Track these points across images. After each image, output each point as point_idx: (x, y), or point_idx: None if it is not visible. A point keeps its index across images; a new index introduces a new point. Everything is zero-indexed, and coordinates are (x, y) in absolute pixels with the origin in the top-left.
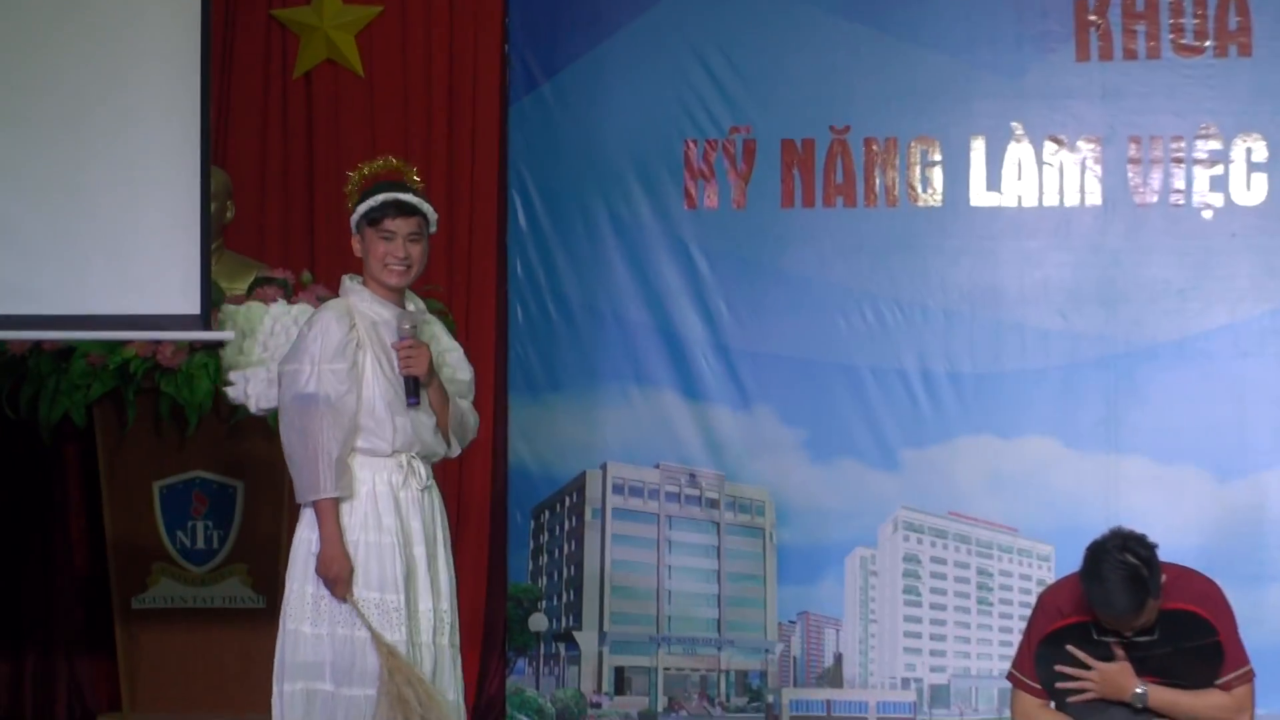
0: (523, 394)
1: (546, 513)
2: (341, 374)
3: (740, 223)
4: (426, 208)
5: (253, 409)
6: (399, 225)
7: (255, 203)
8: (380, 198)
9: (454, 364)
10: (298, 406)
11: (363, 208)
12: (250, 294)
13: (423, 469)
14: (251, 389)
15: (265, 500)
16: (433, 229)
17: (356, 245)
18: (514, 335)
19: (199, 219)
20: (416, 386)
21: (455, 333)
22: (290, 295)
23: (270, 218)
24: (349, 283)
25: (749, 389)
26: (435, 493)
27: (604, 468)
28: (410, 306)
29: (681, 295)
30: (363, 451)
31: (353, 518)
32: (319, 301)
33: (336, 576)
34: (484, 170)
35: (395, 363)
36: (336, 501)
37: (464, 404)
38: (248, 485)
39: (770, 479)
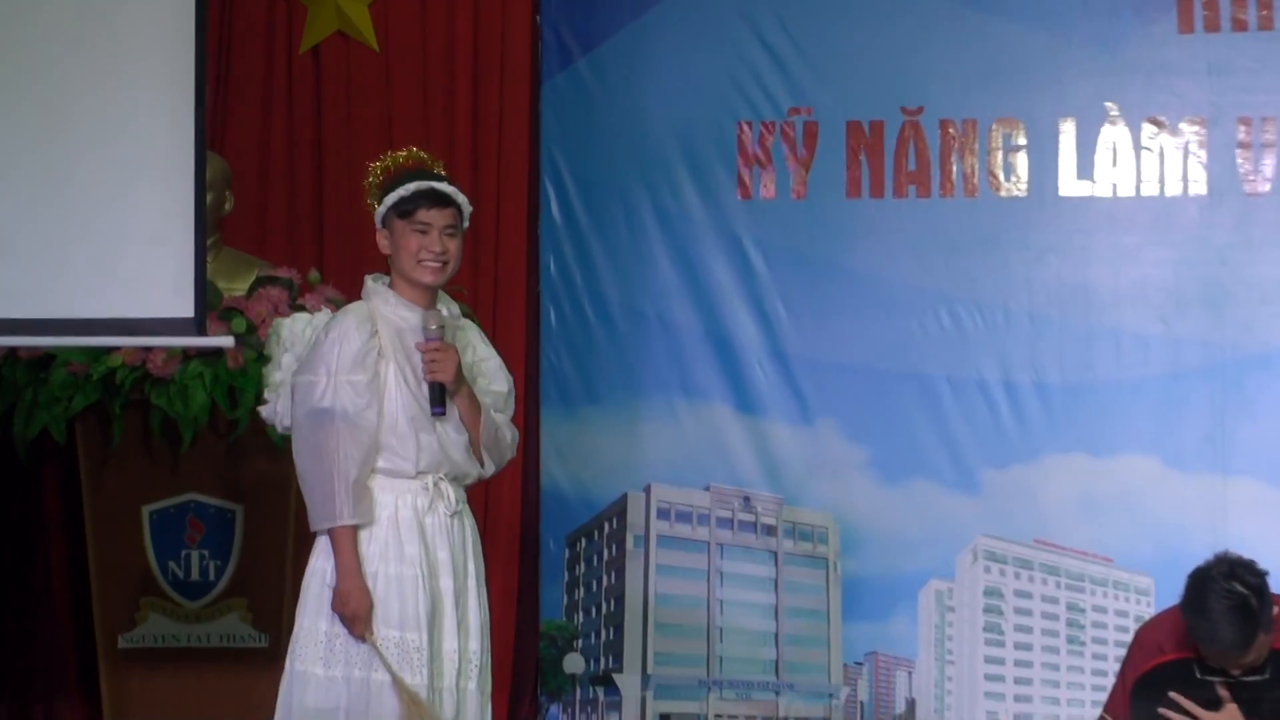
0: (556, 407)
1: (583, 540)
2: (361, 386)
3: (800, 215)
4: (462, 199)
5: (279, 428)
6: (434, 217)
7: (256, 193)
8: (412, 186)
9: (490, 374)
10: (312, 422)
11: (391, 198)
12: (251, 294)
13: (452, 492)
14: (281, 406)
15: (269, 526)
16: (466, 223)
17: (384, 241)
18: (546, 341)
19: (193, 211)
20: (442, 394)
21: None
22: (295, 296)
23: (273, 210)
24: (372, 284)
25: (810, 402)
26: (467, 518)
27: (647, 490)
28: (443, 310)
29: (734, 296)
30: (384, 473)
31: (371, 546)
32: (328, 304)
33: (355, 613)
34: (513, 157)
35: (419, 372)
36: (355, 529)
37: (500, 418)
38: (249, 509)
39: (834, 503)
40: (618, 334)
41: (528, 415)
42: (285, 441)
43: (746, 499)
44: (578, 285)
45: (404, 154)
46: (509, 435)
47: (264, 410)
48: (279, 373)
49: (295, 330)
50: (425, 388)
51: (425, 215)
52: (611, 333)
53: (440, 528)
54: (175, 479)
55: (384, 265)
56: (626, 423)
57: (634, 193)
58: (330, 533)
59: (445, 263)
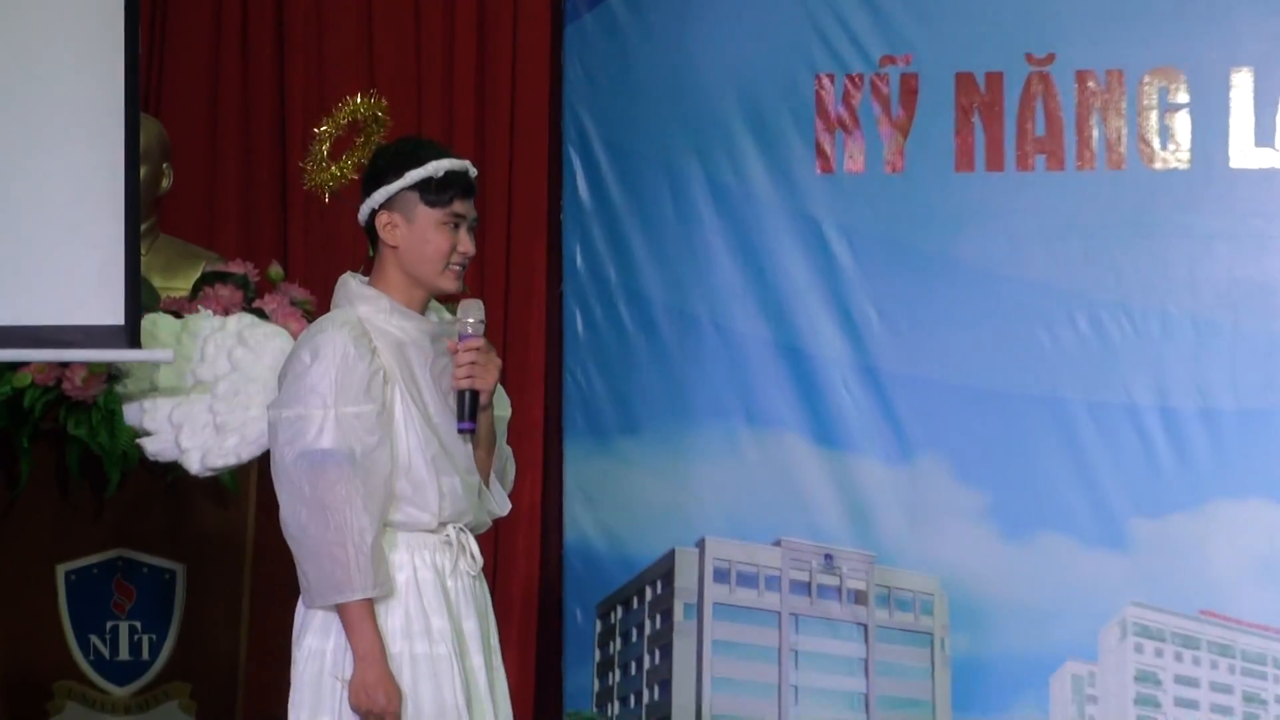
0: (583, 438)
1: (619, 610)
2: (369, 419)
3: (896, 194)
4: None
5: (194, 470)
6: (468, 210)
7: (203, 167)
8: (444, 166)
9: (497, 397)
10: (308, 470)
11: (415, 175)
12: (196, 295)
13: (474, 546)
14: (188, 439)
15: (218, 590)
16: None
17: (392, 228)
18: (571, 355)
19: (122, 189)
20: (475, 408)
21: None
22: (252, 297)
23: (224, 188)
24: (356, 284)
25: (909, 431)
26: (484, 580)
27: (701, 545)
28: (433, 316)
29: (811, 296)
30: (397, 526)
31: (390, 620)
32: (294, 308)
33: (385, 709)
34: (528, 118)
35: (429, 397)
36: (372, 602)
37: (506, 447)
38: (193, 569)
39: (941, 562)
40: (662, 345)
41: (548, 449)
42: (243, 482)
43: (828, 557)
44: (611, 283)
45: (358, 103)
46: (512, 471)
47: (151, 445)
48: (157, 390)
49: (168, 330)
50: (452, 400)
51: (461, 206)
52: (654, 343)
53: (464, 591)
54: (99, 531)
55: (359, 258)
56: (674, 459)
57: (683, 165)
58: (342, 608)
59: (465, 268)
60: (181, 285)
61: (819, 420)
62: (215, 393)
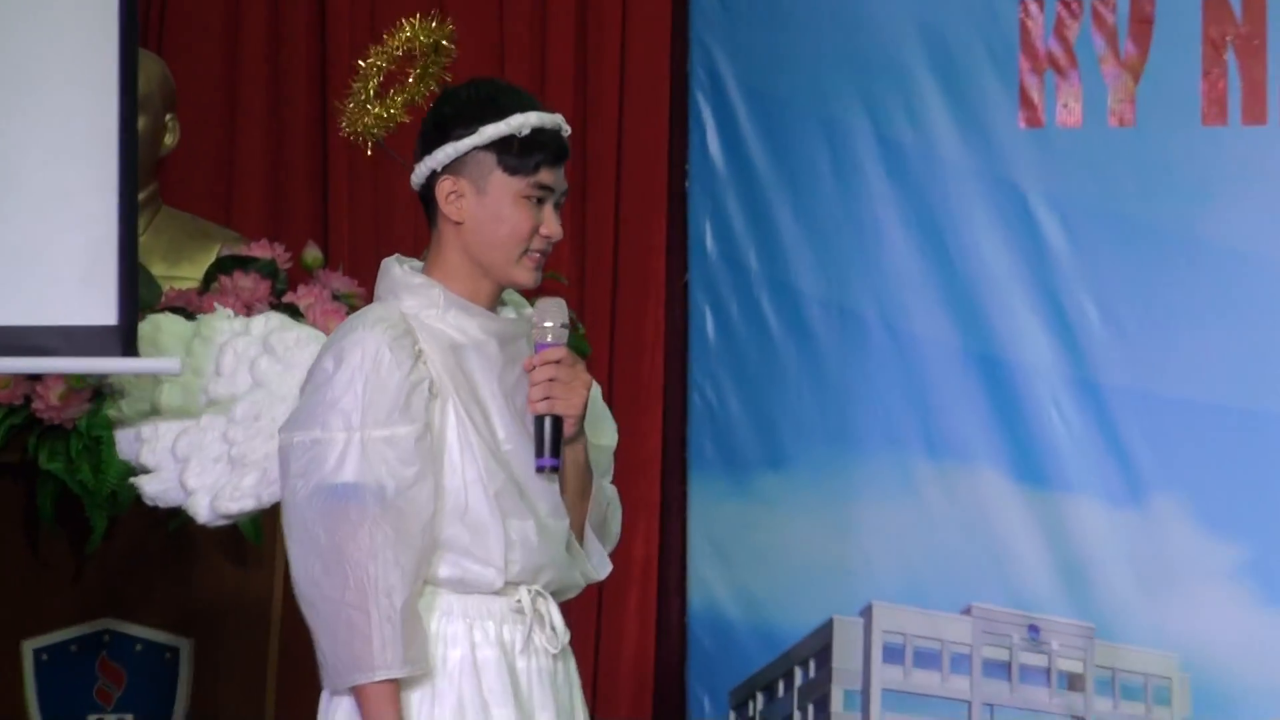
0: (714, 474)
1: (759, 698)
2: (406, 446)
3: (1125, 154)
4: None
5: (203, 517)
6: (557, 180)
7: (219, 118)
8: (532, 122)
9: (593, 418)
10: (324, 511)
11: (494, 131)
12: (210, 285)
13: (557, 615)
14: (196, 476)
15: (234, 673)
16: None
17: (457, 200)
18: (699, 365)
19: (116, 148)
20: (558, 439)
21: (587, 359)
22: (282, 288)
23: (246, 146)
24: (401, 271)
25: (1140, 465)
26: (571, 659)
27: (867, 614)
28: (509, 311)
29: (1012, 289)
30: (448, 586)
31: (437, 709)
32: (336, 303)
33: None
34: (643, 57)
35: (498, 418)
36: (398, 684)
37: (609, 488)
38: (201, 646)
39: (1182, 636)
40: (818, 353)
41: (668, 488)
42: (266, 533)
43: (1034, 629)
44: (752, 272)
45: (420, 30)
46: (617, 520)
47: (150, 486)
48: (158, 412)
49: (173, 335)
50: (530, 424)
51: (549, 176)
52: (807, 351)
53: (541, 674)
54: (79, 596)
55: (423, 239)
56: (832, 501)
57: (847, 119)
58: (360, 690)
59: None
60: (189, 274)
61: (1021, 450)
62: (232, 416)
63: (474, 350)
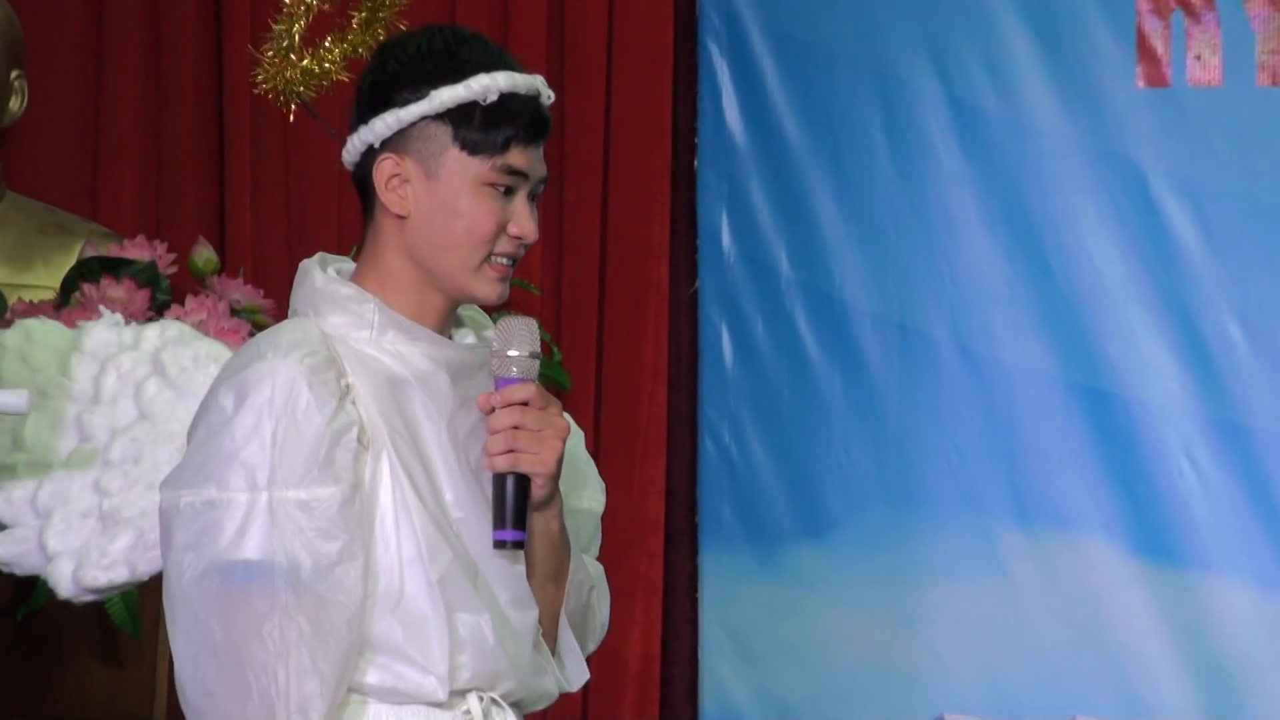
0: (733, 546)
1: None
2: (329, 513)
3: (1275, 120)
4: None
5: (64, 591)
6: (532, 164)
7: (85, 79)
8: (500, 84)
9: (572, 475)
10: (220, 597)
11: (450, 96)
12: (69, 297)
13: None
14: (59, 536)
15: None
16: None
17: (400, 186)
18: (712, 401)
19: None
20: (523, 505)
21: (565, 394)
22: (164, 299)
23: (116, 114)
24: (325, 279)
25: None
26: None
27: None
28: (466, 334)
29: (1129, 301)
30: (379, 696)
31: None
32: (236, 320)
33: None
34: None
35: (448, 475)
36: None
37: (593, 566)
38: None
39: None
40: (870, 386)
41: (671, 566)
42: (146, 617)
43: None
44: (781, 277)
45: None
46: (604, 608)
47: (1, 546)
48: (20, 454)
49: (40, 347)
50: (488, 487)
51: (521, 158)
52: (856, 383)
53: None
54: None
55: (338, 239)
56: (891, 582)
57: (907, 76)
58: None
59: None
60: (43, 281)
61: (1142, 515)
62: (107, 458)
63: (418, 386)
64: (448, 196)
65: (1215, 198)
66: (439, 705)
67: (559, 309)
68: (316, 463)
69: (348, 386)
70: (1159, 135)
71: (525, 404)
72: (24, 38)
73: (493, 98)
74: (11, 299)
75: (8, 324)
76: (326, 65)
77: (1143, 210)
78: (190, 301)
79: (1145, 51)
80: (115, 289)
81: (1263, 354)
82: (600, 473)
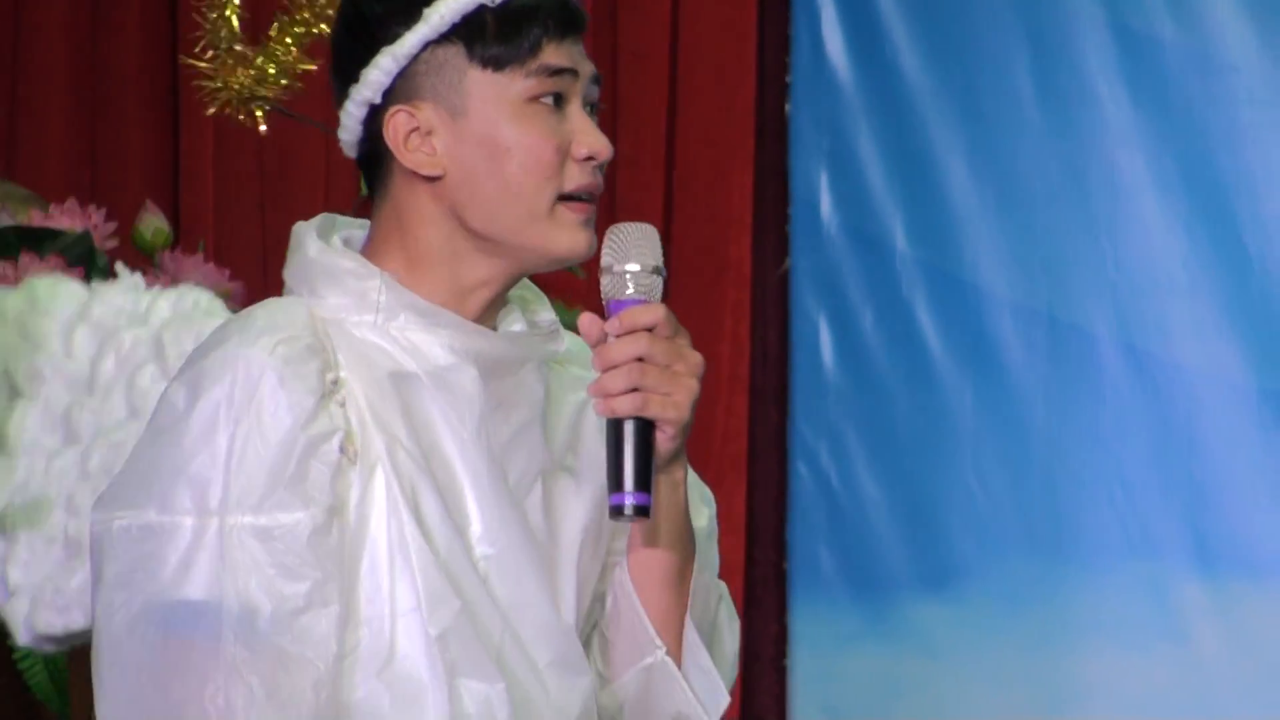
0: (832, 599)
1: None
2: (294, 546)
3: None
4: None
5: (21, 638)
6: (577, 60)
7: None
8: None
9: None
10: (155, 648)
11: (447, 7)
12: None
13: None
14: (23, 567)
15: None
16: None
17: (421, 141)
18: (804, 412)
19: None
20: (648, 459)
21: None
22: (98, 274)
23: (38, 46)
24: (322, 250)
25: None
26: None
27: None
28: (513, 324)
29: None
30: None
31: None
32: (198, 306)
33: None
34: None
35: (475, 499)
36: None
37: (718, 583)
38: None
39: None
40: (1013, 397)
41: (753, 622)
42: (77, 687)
43: None
44: (895, 256)
45: None
46: (734, 636)
47: None
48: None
49: (107, 314)
50: (535, 513)
51: (559, 54)
52: (994, 393)
53: None
54: None
55: (344, 195)
56: (1039, 644)
57: (1060, 3)
58: None
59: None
60: None
61: None
62: (86, 468)
63: (431, 384)
64: (486, 131)
65: None
66: None
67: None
68: (283, 480)
69: (334, 382)
70: None
71: (651, 328)
72: None
73: None
74: None
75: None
76: (281, 58)
77: None
78: (156, 281)
79: None
80: (38, 267)
81: None
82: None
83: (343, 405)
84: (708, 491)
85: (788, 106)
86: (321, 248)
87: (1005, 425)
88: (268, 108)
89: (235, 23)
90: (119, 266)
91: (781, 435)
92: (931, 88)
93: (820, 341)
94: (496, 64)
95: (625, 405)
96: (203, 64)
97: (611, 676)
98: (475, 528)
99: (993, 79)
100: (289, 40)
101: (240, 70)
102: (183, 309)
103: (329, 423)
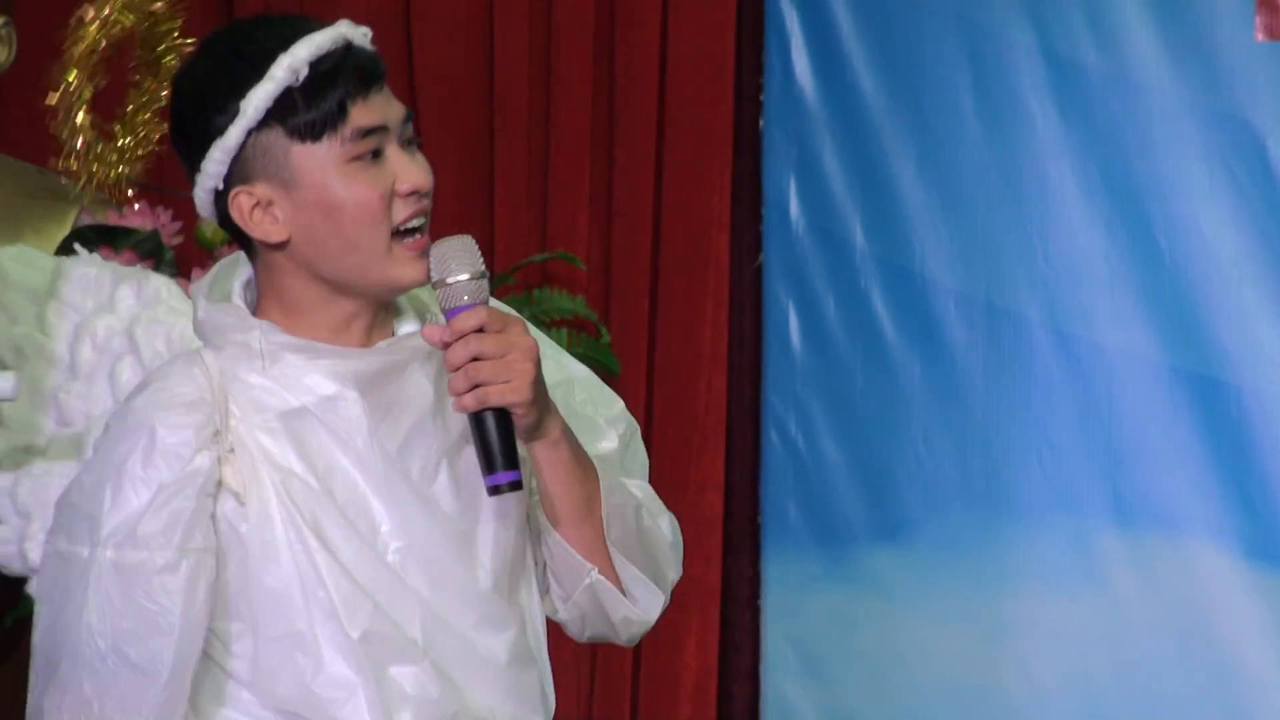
0: (800, 549)
1: None
2: (146, 579)
3: None
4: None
5: (21, 567)
6: (385, 111)
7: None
8: (301, 55)
9: (573, 421)
10: (40, 671)
11: (260, 96)
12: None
13: None
14: (37, 548)
15: None
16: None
17: (265, 214)
18: (776, 389)
19: None
20: (509, 439)
21: (615, 381)
22: (167, 272)
23: (120, 63)
24: (207, 309)
25: None
26: None
27: None
28: (406, 326)
29: (1244, 279)
30: None
31: None
32: None
33: None
34: None
35: (385, 493)
36: None
37: (639, 490)
38: None
39: None
40: (955, 374)
41: (730, 570)
42: None
43: None
44: (856, 251)
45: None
46: (665, 525)
47: None
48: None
49: (72, 294)
50: (444, 495)
51: (367, 113)
52: (939, 370)
53: None
54: None
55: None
56: (975, 591)
57: (1000, 26)
58: None
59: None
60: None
61: (1256, 518)
62: (84, 452)
63: (317, 415)
64: (317, 195)
65: None
66: None
67: (608, 286)
68: (144, 521)
69: (215, 434)
70: (1278, 94)
71: (481, 330)
72: None
73: (304, 72)
74: None
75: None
76: (143, 132)
77: (1260, 177)
78: (197, 275)
79: (1264, 0)
80: (114, 259)
81: None
82: (652, 467)
83: (231, 451)
84: (619, 412)
85: (761, 122)
86: (206, 307)
87: (948, 397)
88: (137, 189)
89: (85, 120)
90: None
91: (756, 407)
92: (885, 106)
93: (789, 326)
94: (313, 135)
95: (471, 401)
96: (72, 167)
97: (565, 596)
98: (385, 527)
99: (938, 98)
100: (143, 114)
101: (105, 148)
102: (146, 298)
103: (204, 470)
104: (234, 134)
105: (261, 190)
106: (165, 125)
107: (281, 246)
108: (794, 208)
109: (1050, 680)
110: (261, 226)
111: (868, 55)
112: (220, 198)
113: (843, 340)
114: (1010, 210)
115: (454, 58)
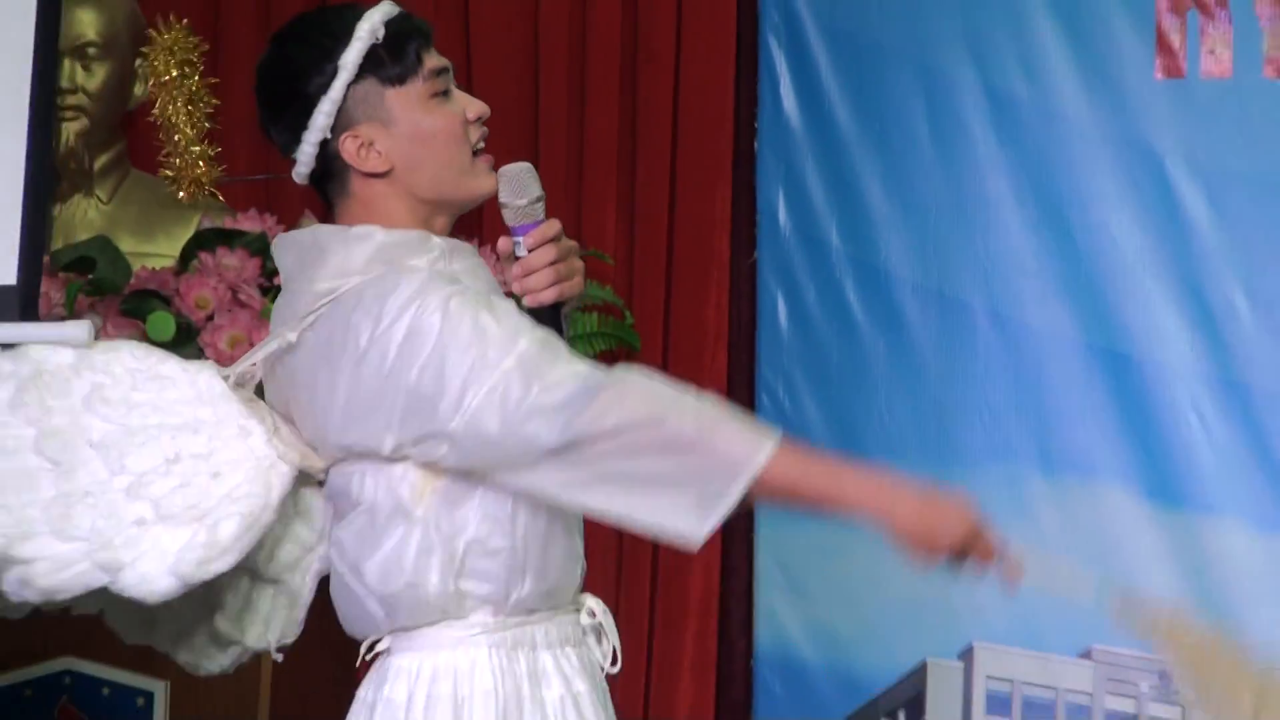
0: None
1: None
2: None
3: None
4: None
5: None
6: (441, 59)
7: (202, 65)
8: (376, 19)
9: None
10: (624, 415)
11: (353, 55)
12: (188, 264)
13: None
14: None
15: None
16: None
17: (368, 150)
18: (768, 361)
19: (29, 75)
20: (561, 325)
21: (636, 354)
22: (273, 269)
23: (232, 98)
24: (388, 233)
25: None
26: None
27: (968, 656)
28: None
29: (1145, 272)
30: (481, 602)
31: None
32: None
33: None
34: None
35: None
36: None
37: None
38: (176, 689)
39: None
40: (912, 350)
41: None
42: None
43: (1165, 676)
44: (833, 250)
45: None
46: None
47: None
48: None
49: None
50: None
51: (434, 59)
52: (900, 346)
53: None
54: (34, 633)
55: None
56: None
57: (949, 66)
58: (759, 476)
59: None
60: (165, 250)
61: (1155, 465)
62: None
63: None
64: (412, 128)
65: (1223, 179)
66: (543, 614)
67: (631, 277)
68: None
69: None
70: (1174, 122)
71: (555, 239)
72: (147, 25)
73: (382, 31)
74: (136, 266)
75: (132, 290)
76: (193, 131)
77: (1158, 190)
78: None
79: (1163, 46)
80: (229, 257)
81: (1264, 320)
82: None
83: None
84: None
85: (755, 144)
86: (387, 232)
87: (906, 368)
88: (222, 183)
89: (186, 119)
90: (248, 279)
91: (751, 376)
92: (856, 131)
93: (778, 311)
94: (400, 80)
95: (553, 294)
96: (175, 165)
97: None
98: None
99: (899, 125)
100: (196, 113)
101: (198, 160)
102: (126, 372)
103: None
104: (337, 87)
105: (365, 131)
106: (212, 102)
107: (385, 175)
108: (782, 214)
109: (987, 598)
110: (369, 162)
111: (841, 90)
112: (325, 149)
113: (821, 323)
114: (957, 216)
115: (506, 85)
